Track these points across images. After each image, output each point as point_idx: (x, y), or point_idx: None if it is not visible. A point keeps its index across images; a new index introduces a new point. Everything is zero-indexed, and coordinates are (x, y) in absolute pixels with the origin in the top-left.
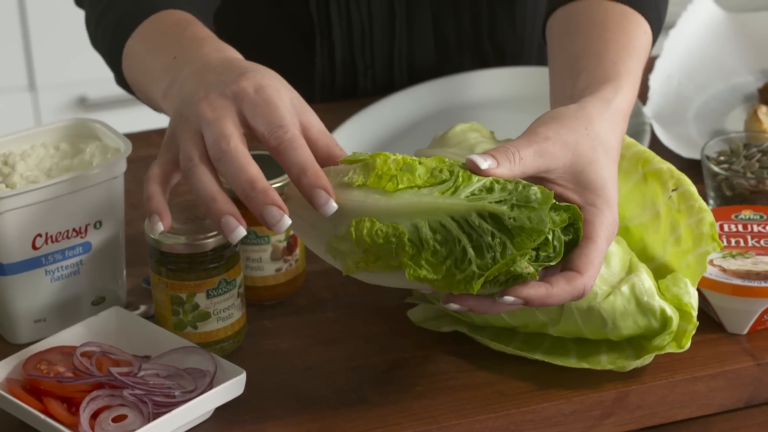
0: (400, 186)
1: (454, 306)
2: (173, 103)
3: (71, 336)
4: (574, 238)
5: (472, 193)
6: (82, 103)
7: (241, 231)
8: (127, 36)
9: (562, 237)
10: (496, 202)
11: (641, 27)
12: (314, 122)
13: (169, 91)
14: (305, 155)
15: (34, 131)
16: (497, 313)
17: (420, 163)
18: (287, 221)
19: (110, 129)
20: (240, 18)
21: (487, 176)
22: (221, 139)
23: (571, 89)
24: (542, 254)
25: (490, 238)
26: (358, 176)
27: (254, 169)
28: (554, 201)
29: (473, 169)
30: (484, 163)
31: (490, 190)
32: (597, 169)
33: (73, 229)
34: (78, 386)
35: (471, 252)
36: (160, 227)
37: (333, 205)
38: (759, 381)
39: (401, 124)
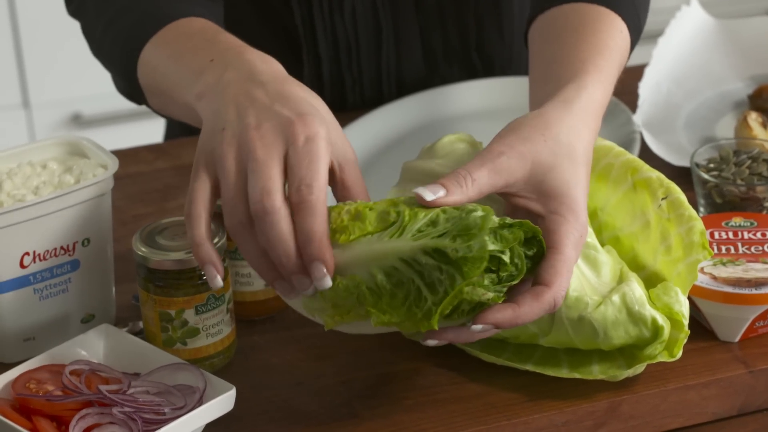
0: (352, 237)
1: (432, 342)
2: (212, 103)
3: (60, 354)
4: (539, 250)
5: (419, 230)
6: (77, 120)
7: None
8: (143, 42)
9: (524, 252)
10: (439, 236)
11: (616, 27)
12: (350, 166)
13: (207, 91)
14: (318, 223)
15: (21, 149)
16: (476, 340)
17: (371, 209)
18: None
19: (97, 146)
20: (228, 29)
21: (438, 207)
22: (265, 196)
23: (543, 96)
24: (503, 275)
25: (438, 273)
26: None
27: (292, 242)
28: (506, 219)
29: (422, 203)
30: (431, 195)
31: (435, 223)
32: (558, 174)
33: (61, 247)
34: (67, 405)
35: (425, 290)
36: (219, 282)
37: (328, 282)
38: (751, 389)
39: (390, 136)
